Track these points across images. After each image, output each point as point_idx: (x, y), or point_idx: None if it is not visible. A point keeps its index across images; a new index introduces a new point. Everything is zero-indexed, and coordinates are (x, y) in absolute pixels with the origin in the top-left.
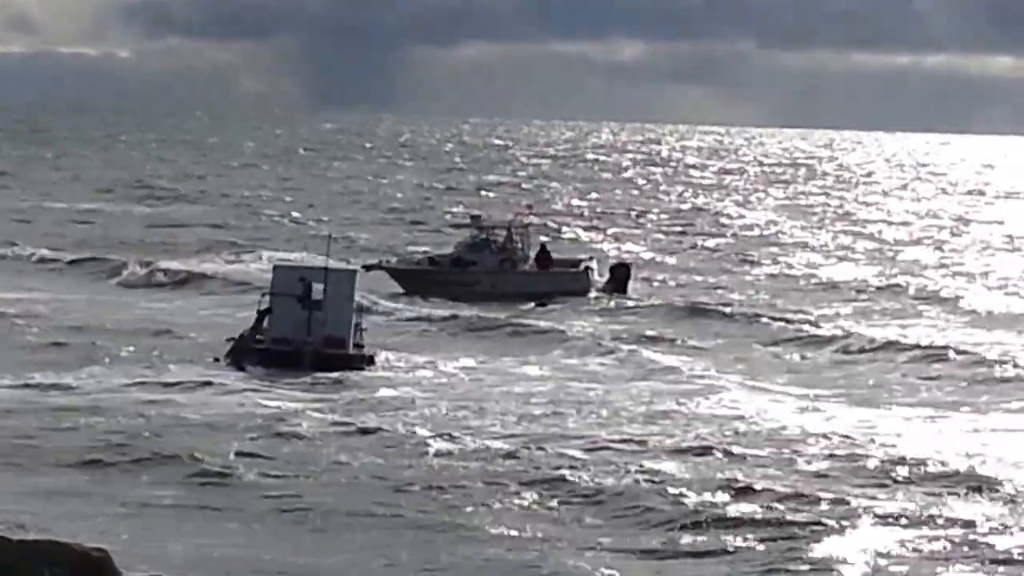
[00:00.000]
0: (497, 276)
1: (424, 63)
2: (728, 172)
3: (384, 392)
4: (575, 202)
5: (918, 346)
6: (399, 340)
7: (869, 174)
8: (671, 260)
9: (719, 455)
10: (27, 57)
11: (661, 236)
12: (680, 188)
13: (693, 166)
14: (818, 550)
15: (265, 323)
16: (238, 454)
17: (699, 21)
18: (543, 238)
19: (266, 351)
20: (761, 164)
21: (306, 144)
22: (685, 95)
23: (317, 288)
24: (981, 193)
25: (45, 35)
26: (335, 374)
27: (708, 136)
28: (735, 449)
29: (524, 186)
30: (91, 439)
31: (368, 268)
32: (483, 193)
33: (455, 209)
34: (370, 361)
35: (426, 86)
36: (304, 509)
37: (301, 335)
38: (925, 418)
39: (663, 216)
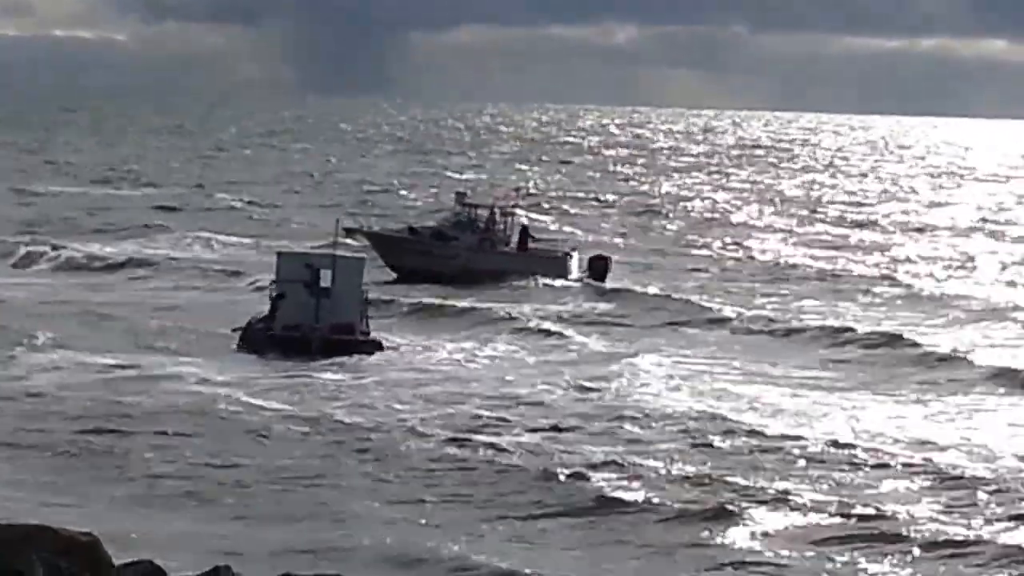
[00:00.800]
0: (475, 254)
1: (417, 47)
2: (706, 156)
3: (379, 377)
4: (547, 186)
5: (848, 329)
6: (385, 325)
7: (845, 158)
8: (632, 243)
9: (635, 439)
10: (23, 40)
11: (626, 219)
12: (653, 172)
13: (671, 149)
14: (724, 536)
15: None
16: (226, 442)
17: (692, 5)
18: (523, 220)
19: (275, 337)
20: (744, 148)
21: (289, 128)
22: (678, 79)
23: (325, 275)
24: (954, 175)
25: (42, 18)
26: (341, 359)
27: (699, 119)
28: (649, 433)
29: (503, 169)
30: (61, 425)
31: (348, 232)
32: (463, 177)
33: (432, 191)
34: (378, 347)
35: (419, 70)
36: (292, 495)
37: (309, 321)
38: (851, 402)
39: (631, 199)
